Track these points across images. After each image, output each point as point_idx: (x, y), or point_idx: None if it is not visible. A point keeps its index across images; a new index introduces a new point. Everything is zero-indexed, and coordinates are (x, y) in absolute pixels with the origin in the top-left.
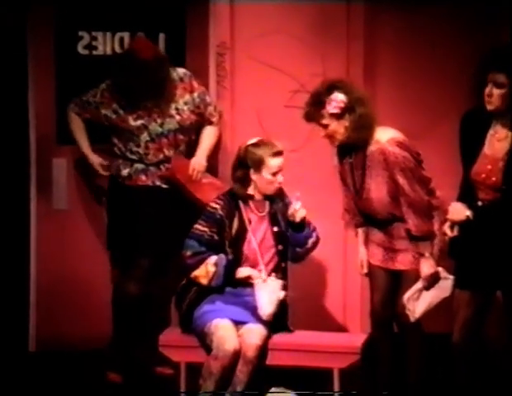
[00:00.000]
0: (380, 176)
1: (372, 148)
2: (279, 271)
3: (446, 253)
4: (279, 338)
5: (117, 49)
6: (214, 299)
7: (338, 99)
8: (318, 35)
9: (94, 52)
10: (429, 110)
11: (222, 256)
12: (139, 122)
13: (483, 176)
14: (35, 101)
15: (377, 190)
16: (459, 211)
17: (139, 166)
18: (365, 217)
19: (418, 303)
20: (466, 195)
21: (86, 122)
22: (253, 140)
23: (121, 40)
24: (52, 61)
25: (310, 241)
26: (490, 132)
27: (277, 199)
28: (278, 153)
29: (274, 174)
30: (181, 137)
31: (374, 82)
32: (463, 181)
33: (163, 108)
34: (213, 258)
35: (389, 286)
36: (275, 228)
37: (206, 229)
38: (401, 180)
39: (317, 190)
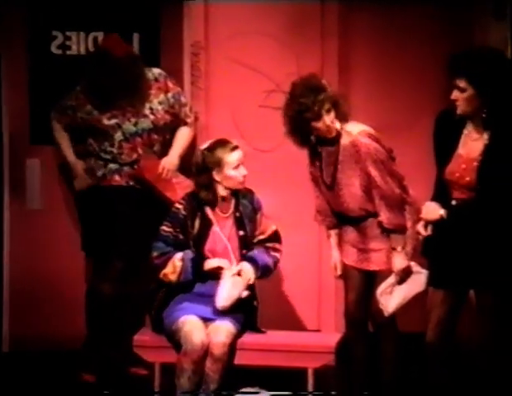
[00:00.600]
0: (352, 170)
1: (344, 141)
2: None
3: (419, 252)
4: (254, 339)
5: (91, 48)
6: (182, 299)
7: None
8: (292, 34)
9: (68, 52)
10: (403, 108)
11: (188, 251)
12: (113, 121)
13: (457, 175)
14: (8, 101)
15: (349, 184)
16: (433, 210)
17: (113, 166)
18: (338, 216)
19: (391, 297)
20: (440, 194)
21: (67, 128)
22: (206, 144)
23: (95, 39)
24: (25, 61)
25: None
26: (465, 132)
27: (246, 202)
28: (234, 148)
29: (236, 168)
30: (155, 137)
31: (349, 81)
32: (437, 181)
33: (138, 107)
34: (179, 254)
35: (363, 286)
36: (240, 232)
37: (171, 230)
38: (373, 172)
39: (292, 191)
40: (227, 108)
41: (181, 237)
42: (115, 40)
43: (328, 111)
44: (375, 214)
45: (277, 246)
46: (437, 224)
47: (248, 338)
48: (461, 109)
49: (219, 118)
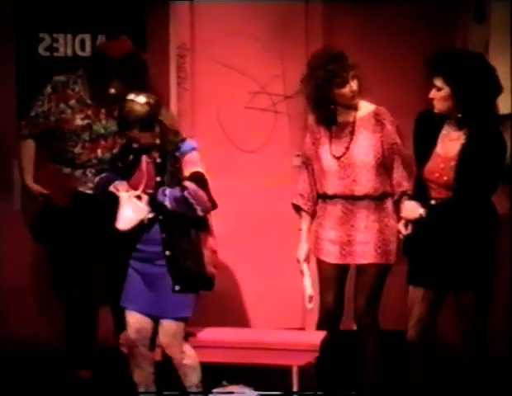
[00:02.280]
0: (368, 140)
1: (362, 112)
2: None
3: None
4: (239, 336)
5: (78, 50)
6: (129, 288)
7: None
8: (277, 36)
9: (55, 53)
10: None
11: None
12: (85, 121)
13: (436, 175)
14: None
15: (364, 154)
16: (412, 209)
17: (67, 170)
18: (329, 202)
19: None
20: (420, 193)
21: (37, 140)
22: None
23: (82, 41)
24: (13, 62)
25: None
26: (443, 132)
27: (172, 149)
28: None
29: None
30: (119, 140)
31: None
32: (417, 180)
33: (112, 109)
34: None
35: (342, 284)
36: (157, 178)
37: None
38: (398, 139)
39: (275, 190)
40: (213, 109)
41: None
42: (118, 41)
43: (353, 78)
44: (373, 198)
45: (186, 184)
46: (416, 223)
47: (233, 336)
48: (437, 107)
49: (204, 119)
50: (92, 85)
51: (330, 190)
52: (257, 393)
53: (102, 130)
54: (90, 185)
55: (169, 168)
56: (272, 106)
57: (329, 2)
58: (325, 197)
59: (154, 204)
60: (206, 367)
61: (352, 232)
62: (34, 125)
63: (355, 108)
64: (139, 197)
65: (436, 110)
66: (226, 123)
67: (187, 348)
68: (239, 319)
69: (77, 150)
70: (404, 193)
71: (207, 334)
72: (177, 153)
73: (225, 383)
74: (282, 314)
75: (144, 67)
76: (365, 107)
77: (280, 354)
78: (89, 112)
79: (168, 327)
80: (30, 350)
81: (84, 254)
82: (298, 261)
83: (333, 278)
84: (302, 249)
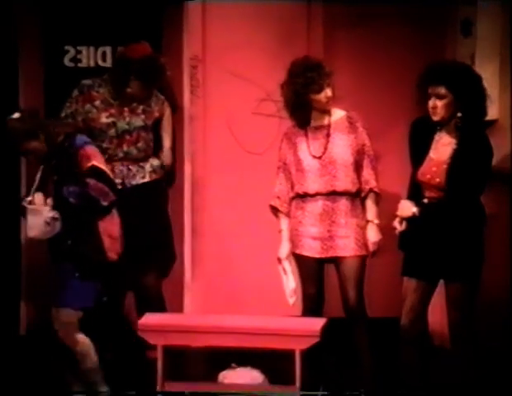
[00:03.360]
0: (344, 140)
1: (335, 117)
2: None
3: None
4: (246, 322)
5: (100, 61)
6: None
7: None
8: (282, 47)
9: (79, 64)
10: (381, 117)
11: None
12: (110, 119)
13: (428, 177)
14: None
15: (342, 152)
16: (407, 208)
17: None
18: (310, 200)
19: None
20: (414, 193)
21: None
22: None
23: (104, 53)
24: (41, 73)
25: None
26: (436, 138)
27: (67, 146)
28: None
29: None
30: (143, 134)
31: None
32: (411, 181)
33: (134, 107)
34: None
35: (322, 277)
36: (55, 177)
37: None
38: (367, 141)
39: None
40: (223, 115)
41: None
42: (138, 45)
43: (328, 85)
44: (351, 195)
45: (87, 180)
46: (410, 220)
47: (241, 322)
48: (439, 115)
49: (215, 124)
50: (114, 85)
51: (312, 189)
52: (263, 376)
53: (126, 126)
54: (118, 180)
55: (64, 165)
56: (277, 112)
57: (329, 16)
58: (305, 196)
59: (58, 202)
60: (216, 351)
61: (333, 227)
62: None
63: (329, 113)
64: (30, 202)
65: (438, 119)
66: (235, 127)
67: (80, 336)
68: (248, 306)
69: (105, 145)
70: (371, 190)
71: (217, 320)
72: (71, 150)
73: (233, 365)
74: (280, 302)
75: (161, 69)
76: (338, 113)
77: (284, 339)
78: (113, 111)
79: (64, 314)
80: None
81: None
82: (279, 259)
83: (314, 271)
84: (284, 248)
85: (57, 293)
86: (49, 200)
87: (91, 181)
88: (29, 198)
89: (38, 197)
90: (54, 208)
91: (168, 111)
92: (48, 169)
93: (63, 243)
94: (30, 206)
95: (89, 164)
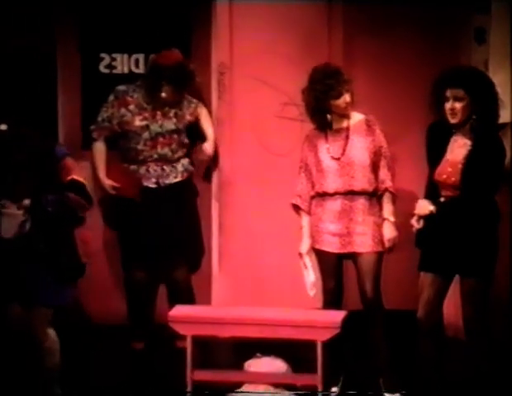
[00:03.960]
0: (361, 143)
1: (353, 120)
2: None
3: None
4: (271, 314)
5: (133, 68)
6: None
7: None
8: (303, 54)
9: (114, 71)
10: (399, 121)
11: None
12: (143, 123)
13: (444, 176)
14: (64, 114)
15: (360, 154)
16: (424, 206)
17: (133, 167)
18: (330, 199)
19: None
20: (431, 192)
21: (108, 144)
22: None
23: (137, 60)
24: (78, 79)
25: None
26: (451, 140)
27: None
28: None
29: None
30: (175, 137)
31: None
32: (428, 181)
33: (166, 111)
34: None
35: (341, 271)
36: (34, 183)
37: None
38: (384, 143)
39: None
40: (247, 118)
41: None
42: (169, 52)
43: (347, 91)
44: (368, 194)
45: (67, 194)
46: (427, 218)
47: (266, 314)
48: (458, 117)
49: (240, 126)
50: (147, 90)
51: (331, 188)
52: (286, 365)
53: (159, 129)
54: (153, 180)
55: (44, 175)
56: (299, 116)
57: (349, 25)
58: (325, 195)
59: (36, 209)
60: (242, 341)
61: (351, 224)
62: (101, 129)
63: (348, 117)
64: (3, 205)
65: (456, 121)
66: (259, 130)
67: (51, 332)
68: (271, 298)
69: (139, 147)
70: (386, 189)
71: (243, 312)
72: (51, 161)
73: (258, 354)
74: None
75: (191, 74)
76: (356, 116)
77: (307, 330)
78: (146, 114)
79: (37, 311)
80: (103, 322)
81: (148, 240)
82: (300, 254)
83: (334, 266)
84: (305, 244)
85: (30, 291)
86: (24, 204)
87: (70, 195)
88: (2, 202)
89: (13, 205)
90: (29, 212)
91: (204, 111)
92: (26, 177)
93: (35, 246)
94: (5, 210)
95: (69, 177)
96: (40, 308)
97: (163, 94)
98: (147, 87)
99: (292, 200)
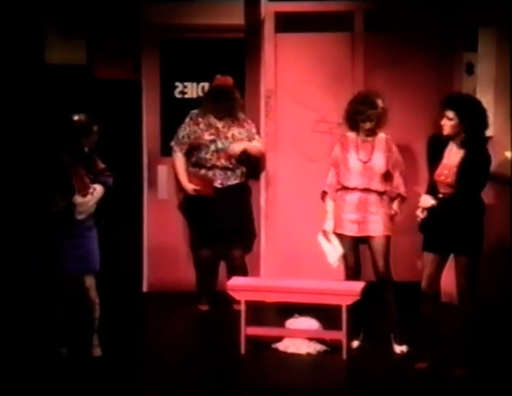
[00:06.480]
0: (381, 154)
1: (379, 137)
2: None
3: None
4: (307, 284)
5: (200, 93)
6: None
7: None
8: (332, 83)
9: (185, 96)
10: (406, 135)
11: None
12: (211, 137)
13: (442, 177)
14: (148, 128)
15: (380, 163)
16: (426, 200)
17: (202, 172)
18: (351, 192)
19: None
20: (431, 190)
21: (185, 152)
22: None
23: (203, 87)
24: (158, 103)
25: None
26: (447, 149)
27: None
28: None
29: None
30: (231, 153)
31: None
32: (429, 181)
33: (226, 132)
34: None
35: (358, 250)
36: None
37: None
38: (399, 158)
39: None
40: (289, 132)
41: None
42: (226, 78)
43: (371, 121)
44: (379, 193)
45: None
46: (429, 210)
47: (303, 284)
48: (446, 131)
49: (283, 139)
50: (211, 107)
51: (352, 184)
52: (318, 324)
53: (221, 146)
54: (219, 181)
55: (92, 168)
56: (329, 130)
57: (368, 61)
58: (347, 189)
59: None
60: (284, 305)
61: (366, 214)
62: (181, 144)
63: (375, 134)
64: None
65: (445, 133)
66: (297, 141)
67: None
68: (307, 272)
69: (208, 156)
70: (399, 194)
71: (285, 283)
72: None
73: (296, 315)
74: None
75: (227, 91)
76: (380, 134)
77: (334, 297)
78: (213, 131)
79: (92, 276)
80: (174, 290)
81: (214, 227)
82: (325, 232)
83: (353, 247)
84: (330, 223)
85: (93, 261)
86: (89, 192)
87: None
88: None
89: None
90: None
91: (254, 130)
92: (86, 173)
93: (98, 222)
94: (78, 200)
95: (102, 166)
96: (93, 274)
97: (212, 110)
98: (209, 104)
99: (324, 188)
